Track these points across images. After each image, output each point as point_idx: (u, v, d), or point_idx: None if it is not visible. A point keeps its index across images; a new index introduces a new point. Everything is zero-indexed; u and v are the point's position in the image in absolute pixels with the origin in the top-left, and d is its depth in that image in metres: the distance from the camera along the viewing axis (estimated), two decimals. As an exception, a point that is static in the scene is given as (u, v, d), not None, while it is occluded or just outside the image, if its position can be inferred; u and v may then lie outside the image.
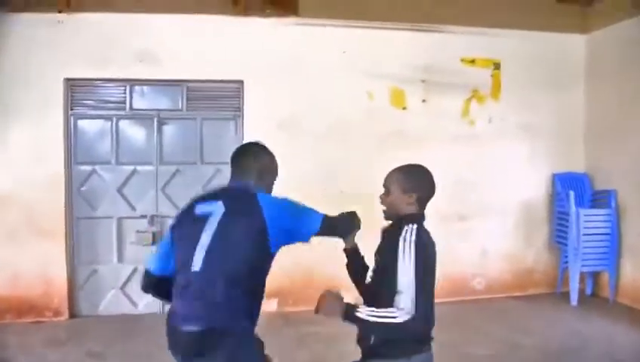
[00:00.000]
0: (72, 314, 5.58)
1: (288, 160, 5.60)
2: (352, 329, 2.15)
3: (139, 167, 5.68)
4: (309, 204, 5.46)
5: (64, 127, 5.52)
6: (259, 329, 2.34)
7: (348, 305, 2.07)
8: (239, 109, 5.78)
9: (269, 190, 2.60)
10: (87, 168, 5.63)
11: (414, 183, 2.30)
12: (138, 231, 5.60)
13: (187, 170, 5.74)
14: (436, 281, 2.18)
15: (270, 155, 2.69)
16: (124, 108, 5.66)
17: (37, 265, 5.44)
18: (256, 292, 2.35)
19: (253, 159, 2.56)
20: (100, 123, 5.66)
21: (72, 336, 5.11)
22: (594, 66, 6.41)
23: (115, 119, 5.65)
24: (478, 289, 6.26)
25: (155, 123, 5.68)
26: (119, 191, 5.67)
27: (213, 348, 2.13)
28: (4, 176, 5.39)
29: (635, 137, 5.83)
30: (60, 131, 5.50)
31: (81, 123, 5.64)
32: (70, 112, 5.57)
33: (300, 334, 5.11)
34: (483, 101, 6.19)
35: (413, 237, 2.10)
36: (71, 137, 5.60)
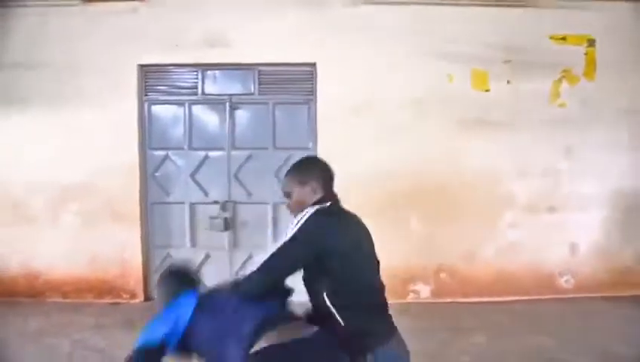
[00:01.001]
0: (147, 297, 5.66)
1: (363, 145, 5.49)
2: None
3: (211, 153, 5.65)
4: (387, 193, 5.13)
5: (138, 113, 5.59)
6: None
7: None
8: (312, 93, 5.61)
9: None
10: (161, 153, 5.68)
11: (306, 173, 2.36)
12: (211, 217, 5.58)
13: (259, 155, 5.64)
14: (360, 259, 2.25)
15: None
16: (196, 94, 5.64)
17: (114, 249, 5.57)
18: None
19: None
20: (172, 108, 5.69)
21: (146, 319, 5.15)
22: None
23: (187, 104, 5.65)
24: (566, 288, 5.77)
25: (227, 108, 5.62)
26: (192, 176, 5.67)
27: None
28: (83, 163, 5.53)
29: None
30: (135, 117, 5.57)
31: (155, 109, 5.69)
32: (144, 98, 5.63)
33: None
34: (575, 82, 5.65)
35: (302, 220, 2.15)
36: (145, 123, 5.66)
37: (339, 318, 2.11)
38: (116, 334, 4.76)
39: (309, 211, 2.18)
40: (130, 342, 4.47)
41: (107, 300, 5.61)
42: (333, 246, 2.11)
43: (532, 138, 5.62)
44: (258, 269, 2.17)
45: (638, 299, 5.66)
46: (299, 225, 2.15)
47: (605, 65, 5.64)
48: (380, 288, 2.33)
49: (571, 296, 5.72)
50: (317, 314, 2.19)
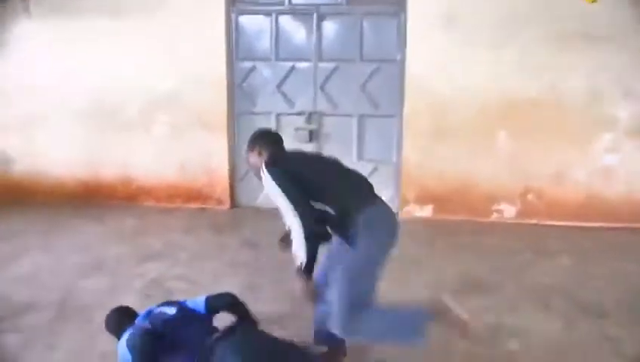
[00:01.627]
0: (233, 204, 5.87)
1: (454, 58, 5.28)
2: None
3: (298, 64, 5.61)
4: (476, 107, 4.96)
5: (226, 23, 5.58)
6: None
7: None
8: (402, 4, 5.37)
9: None
10: (248, 65, 5.69)
11: (253, 142, 2.77)
12: (296, 129, 5.61)
13: (346, 67, 5.54)
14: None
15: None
16: (283, 4, 5.56)
17: (202, 158, 5.76)
18: None
19: None
20: (260, 19, 5.64)
21: (231, 224, 5.38)
22: None
23: (274, 15, 5.58)
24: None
25: (315, 18, 5.51)
26: (278, 87, 5.67)
27: None
28: (172, 73, 5.64)
29: None
30: (222, 28, 5.57)
31: (242, 19, 5.66)
32: (232, 8, 5.60)
33: (453, 244, 4.86)
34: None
35: (269, 181, 2.51)
36: (232, 34, 5.65)
37: (331, 210, 2.52)
38: (203, 235, 5.02)
39: (265, 171, 2.55)
40: (216, 243, 4.73)
41: (195, 205, 5.85)
42: (299, 173, 2.54)
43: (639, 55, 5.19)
44: (296, 215, 2.47)
45: None
46: (273, 185, 2.50)
47: None
48: (356, 180, 2.68)
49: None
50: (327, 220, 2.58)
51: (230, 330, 2.51)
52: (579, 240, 5.02)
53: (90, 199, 5.94)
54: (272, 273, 4.06)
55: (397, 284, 3.89)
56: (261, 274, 4.11)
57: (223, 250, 4.65)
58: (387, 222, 2.58)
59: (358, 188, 2.63)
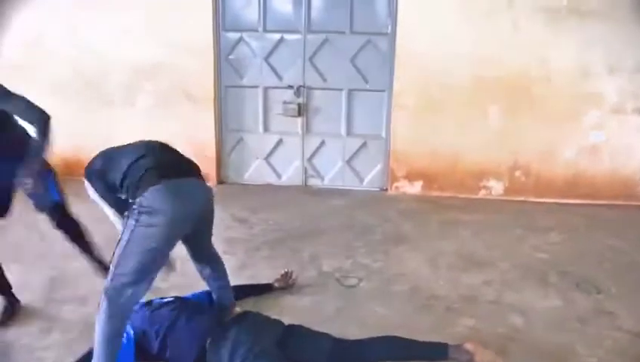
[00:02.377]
0: (220, 180, 5.73)
1: (445, 30, 5.19)
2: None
3: (286, 35, 5.45)
4: (467, 82, 4.89)
5: (213, -9, 5.38)
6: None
7: None
8: (394, -26, 5.25)
9: None
10: (235, 35, 5.50)
11: None
12: (285, 103, 5.48)
13: (336, 39, 5.40)
14: None
15: None
16: (272, -28, 5.37)
17: (187, 130, 5.57)
18: None
19: None
20: (248, -12, 5.45)
21: (219, 200, 5.21)
22: None
23: (263, -17, 5.40)
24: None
25: (304, -12, 5.35)
26: (266, 60, 5.52)
27: None
28: (156, 43, 5.44)
29: None
30: (209, -4, 5.36)
31: (229, -13, 5.46)
32: (219, -24, 5.40)
33: (445, 220, 4.84)
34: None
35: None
36: (219, 3, 5.44)
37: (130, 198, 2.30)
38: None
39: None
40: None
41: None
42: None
43: (627, 32, 5.16)
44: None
45: None
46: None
47: None
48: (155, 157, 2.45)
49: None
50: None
51: (242, 315, 2.47)
52: (567, 216, 5.05)
53: (71, 175, 5.73)
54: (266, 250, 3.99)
55: (395, 261, 3.91)
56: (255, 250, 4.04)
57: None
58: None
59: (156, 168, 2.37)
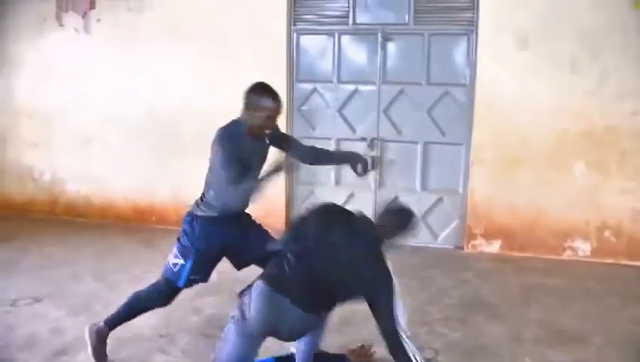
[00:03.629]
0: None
1: (528, 82, 4.95)
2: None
3: (360, 87, 5.37)
4: (550, 136, 4.63)
5: (287, 43, 5.40)
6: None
7: None
8: (472, 23, 5.08)
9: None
10: (309, 86, 5.48)
11: None
12: (358, 155, 5.37)
13: (412, 90, 5.26)
14: None
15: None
16: (346, 23, 5.33)
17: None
18: None
19: None
20: (322, 39, 5.44)
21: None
22: None
23: (337, 34, 5.37)
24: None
25: (379, 39, 5.26)
26: (339, 111, 5.44)
27: None
28: (230, 93, 5.36)
29: None
30: (283, 48, 5.39)
31: (303, 39, 5.47)
32: (293, 28, 5.42)
33: (527, 284, 4.50)
34: None
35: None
36: (293, 54, 5.46)
37: None
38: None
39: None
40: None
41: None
42: None
43: None
44: None
45: None
46: None
47: None
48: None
49: None
50: None
51: None
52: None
53: (142, 222, 5.84)
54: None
55: (474, 331, 3.61)
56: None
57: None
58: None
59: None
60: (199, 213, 2.97)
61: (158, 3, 5.61)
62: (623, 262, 5.05)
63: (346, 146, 5.40)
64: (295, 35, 5.43)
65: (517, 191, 5.15)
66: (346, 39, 5.37)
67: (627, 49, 4.85)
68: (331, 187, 5.56)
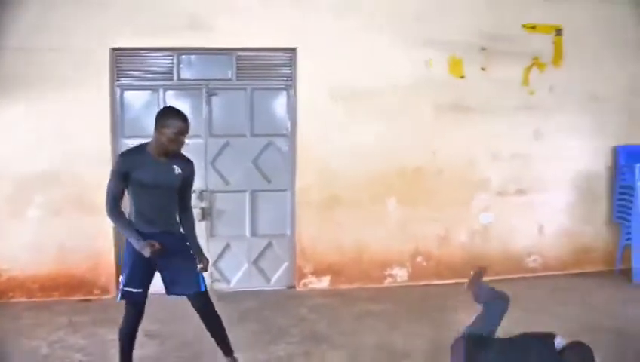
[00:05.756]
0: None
1: (342, 131, 5.48)
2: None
3: (187, 140, 5.38)
4: (366, 177, 5.27)
5: (110, 99, 5.30)
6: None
7: None
8: (291, 79, 5.51)
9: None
10: (135, 142, 5.36)
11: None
12: (188, 208, 5.38)
13: (237, 142, 5.50)
14: None
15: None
16: (171, 79, 5.41)
17: (84, 243, 5.28)
18: None
19: None
20: (146, 94, 5.43)
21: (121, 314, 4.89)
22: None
23: (162, 90, 5.40)
24: (533, 267, 6.04)
25: (204, 93, 5.43)
26: (167, 165, 5.43)
27: None
28: (52, 151, 5.19)
29: None
30: (107, 104, 5.28)
31: (127, 95, 5.41)
32: (116, 84, 5.35)
33: (357, 313, 4.91)
34: (544, 69, 5.87)
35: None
36: (117, 110, 5.38)
37: None
38: (95, 332, 4.53)
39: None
40: (112, 340, 4.31)
41: (77, 297, 5.31)
42: None
43: (504, 123, 5.81)
44: None
45: (597, 275, 6.04)
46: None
47: (571, 53, 5.90)
48: None
49: (539, 274, 6.00)
50: None
51: None
52: (468, 294, 5.30)
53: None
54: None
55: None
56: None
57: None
58: None
59: None
60: None
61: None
62: (435, 282, 5.75)
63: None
64: (119, 90, 5.35)
65: (341, 229, 5.61)
66: (170, 94, 5.42)
67: (428, 102, 5.65)
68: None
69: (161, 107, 3.34)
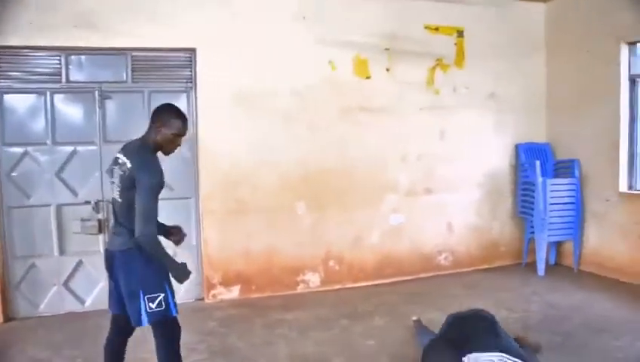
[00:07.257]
0: (8, 317, 4.90)
1: (246, 133, 5.28)
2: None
3: (79, 147, 5.06)
4: (273, 182, 5.05)
5: (-12, 102, 4.82)
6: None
7: None
8: (191, 80, 5.25)
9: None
10: (19, 150, 4.94)
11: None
12: (83, 220, 4.99)
13: (133, 148, 5.14)
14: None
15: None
16: (59, 81, 4.98)
17: (-37, 264, 4.77)
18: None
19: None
20: (31, 98, 4.96)
21: (11, 342, 4.45)
22: (554, 36, 6.33)
23: (49, 93, 4.97)
24: (444, 265, 6.11)
25: (97, 97, 5.06)
26: (57, 174, 5.02)
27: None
28: None
29: (594, 106, 5.80)
30: (-16, 108, 4.79)
31: (8, 98, 4.92)
32: (-5, 86, 4.87)
33: (269, 323, 4.73)
34: (447, 70, 5.96)
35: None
36: (-4, 113, 4.90)
37: None
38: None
39: None
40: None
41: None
42: None
43: (411, 123, 5.84)
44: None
45: (505, 269, 6.27)
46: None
47: (473, 54, 6.03)
48: None
49: (450, 271, 6.09)
50: None
51: None
52: (382, 297, 5.31)
53: None
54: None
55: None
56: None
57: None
58: None
59: None
60: None
61: None
62: (348, 285, 5.68)
63: (69, 211, 5.04)
64: (-1, 93, 4.89)
65: (249, 236, 5.40)
66: (59, 97, 5.01)
67: (334, 103, 5.57)
68: (55, 257, 5.07)
69: (160, 104, 3.03)
